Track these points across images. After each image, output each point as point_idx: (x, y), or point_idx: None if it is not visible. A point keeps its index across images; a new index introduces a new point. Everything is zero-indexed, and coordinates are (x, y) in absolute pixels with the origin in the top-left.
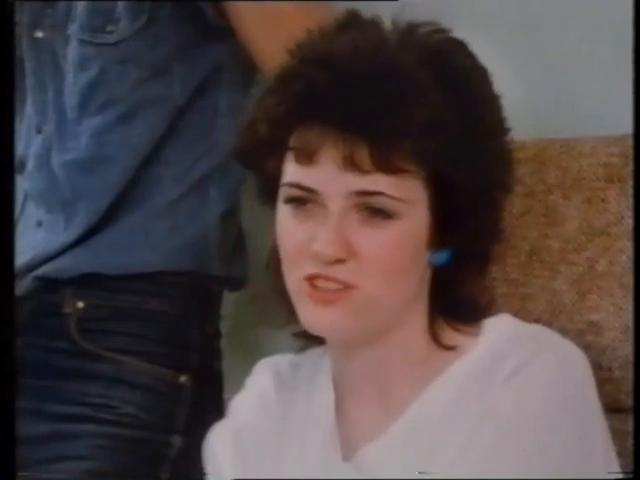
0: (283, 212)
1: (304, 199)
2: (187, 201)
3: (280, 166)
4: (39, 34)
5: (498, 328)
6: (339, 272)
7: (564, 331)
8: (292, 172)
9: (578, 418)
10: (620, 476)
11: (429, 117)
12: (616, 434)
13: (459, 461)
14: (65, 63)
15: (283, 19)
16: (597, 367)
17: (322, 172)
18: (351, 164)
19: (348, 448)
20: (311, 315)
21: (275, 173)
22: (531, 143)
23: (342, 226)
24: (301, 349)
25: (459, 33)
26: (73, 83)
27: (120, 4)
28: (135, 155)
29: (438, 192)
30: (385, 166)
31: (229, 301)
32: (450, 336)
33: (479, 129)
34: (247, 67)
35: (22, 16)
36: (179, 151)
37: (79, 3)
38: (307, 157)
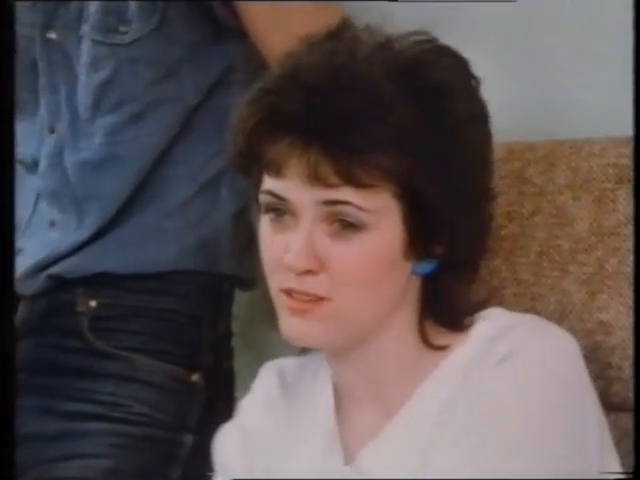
0: (263, 222)
1: (281, 210)
2: (199, 201)
3: (261, 176)
4: (52, 35)
5: (488, 320)
6: (310, 285)
7: (574, 331)
8: (267, 182)
9: (568, 403)
10: (620, 476)
11: (392, 132)
12: (625, 433)
13: (454, 451)
14: (78, 64)
15: (295, 20)
16: (607, 366)
17: (291, 184)
18: (316, 179)
19: (349, 451)
20: (287, 326)
21: (258, 183)
22: (541, 144)
23: (312, 238)
24: (303, 351)
25: (462, 38)
26: (86, 83)
27: (132, 5)
28: (147, 155)
29: (409, 204)
30: (350, 180)
31: (241, 300)
32: (441, 337)
33: (452, 143)
34: (259, 67)
35: (35, 17)
36: (191, 151)
37: (91, 4)
38: (276, 170)
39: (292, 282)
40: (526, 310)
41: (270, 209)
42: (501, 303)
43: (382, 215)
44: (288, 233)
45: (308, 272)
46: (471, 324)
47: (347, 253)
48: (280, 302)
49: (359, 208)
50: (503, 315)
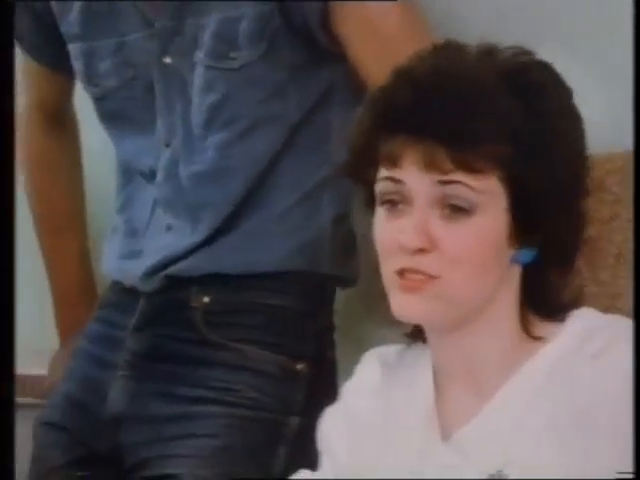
0: (379, 214)
1: (395, 200)
2: (302, 207)
3: (376, 174)
4: (168, 60)
5: (581, 319)
6: (423, 264)
7: None
8: (383, 172)
9: None
10: (619, 476)
11: (503, 124)
12: None
13: (548, 438)
14: (192, 86)
15: (389, 44)
16: None
17: (407, 171)
18: (432, 165)
19: (446, 429)
20: (399, 303)
21: (372, 181)
22: (619, 155)
23: (425, 219)
24: (408, 345)
25: (553, 54)
26: (199, 104)
27: (242, 33)
28: (255, 167)
29: (515, 192)
30: (463, 166)
31: (342, 297)
32: (538, 327)
33: (550, 136)
34: (357, 87)
35: (151, 45)
36: (295, 163)
37: (205, 32)
38: (392, 162)
39: (405, 262)
40: (606, 308)
41: (385, 200)
42: (583, 301)
43: (490, 197)
44: (402, 219)
45: (420, 251)
46: (565, 320)
47: (458, 235)
48: (393, 283)
49: (470, 188)
50: (594, 315)
